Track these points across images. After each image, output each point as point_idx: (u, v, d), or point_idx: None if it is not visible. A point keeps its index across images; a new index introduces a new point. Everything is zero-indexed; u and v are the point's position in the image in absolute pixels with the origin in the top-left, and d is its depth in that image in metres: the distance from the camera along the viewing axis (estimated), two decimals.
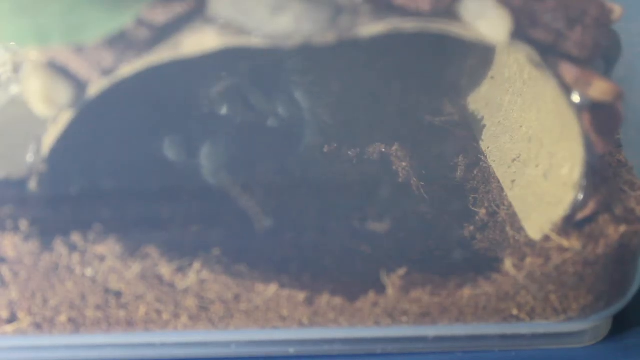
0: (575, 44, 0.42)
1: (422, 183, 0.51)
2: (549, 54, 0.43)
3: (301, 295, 0.45)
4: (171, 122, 0.48)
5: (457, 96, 0.55)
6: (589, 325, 0.47)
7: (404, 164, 0.51)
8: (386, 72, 0.54)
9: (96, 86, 0.41)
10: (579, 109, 0.43)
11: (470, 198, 0.50)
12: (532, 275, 0.45)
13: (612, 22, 0.43)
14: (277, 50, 0.40)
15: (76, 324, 0.45)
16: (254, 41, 0.40)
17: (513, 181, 0.49)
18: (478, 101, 0.54)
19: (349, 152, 0.52)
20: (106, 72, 0.41)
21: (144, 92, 0.45)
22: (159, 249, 0.44)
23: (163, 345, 0.47)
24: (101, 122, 0.45)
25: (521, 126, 0.50)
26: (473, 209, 0.50)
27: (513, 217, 0.48)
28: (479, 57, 0.53)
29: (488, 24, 0.41)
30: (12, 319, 0.45)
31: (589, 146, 0.43)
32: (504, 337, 0.47)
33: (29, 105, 0.42)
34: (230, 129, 0.49)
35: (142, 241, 0.44)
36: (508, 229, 0.48)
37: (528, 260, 0.44)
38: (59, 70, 0.42)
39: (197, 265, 0.44)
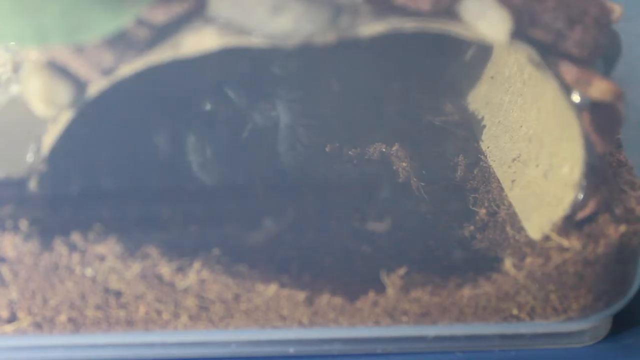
0: (575, 43, 0.42)
1: (422, 183, 0.51)
2: (549, 54, 0.43)
3: (301, 295, 0.45)
4: (171, 122, 0.48)
5: (457, 96, 0.55)
6: (589, 325, 0.47)
7: (404, 164, 0.51)
8: (386, 72, 0.54)
9: (96, 86, 0.41)
10: (579, 108, 0.43)
11: (470, 198, 0.50)
12: (532, 275, 0.45)
13: (612, 22, 0.43)
14: (276, 50, 0.40)
15: (76, 324, 0.45)
16: (254, 41, 0.40)
17: (513, 181, 0.49)
18: (478, 101, 0.54)
19: (349, 152, 0.52)
20: (106, 72, 0.41)
21: (144, 92, 0.45)
22: (159, 248, 0.44)
23: (163, 345, 0.47)
24: (101, 122, 0.45)
25: (521, 126, 0.50)
26: (473, 208, 0.50)
27: (513, 217, 0.48)
28: (479, 56, 0.53)
29: (488, 24, 0.41)
30: (12, 318, 0.45)
31: (589, 146, 0.43)
32: (504, 337, 0.47)
33: (29, 105, 0.42)
34: (230, 129, 0.49)
35: (142, 241, 0.44)
36: (508, 228, 0.48)
37: (528, 260, 0.44)
38: (59, 70, 0.42)
39: (197, 265, 0.44)
